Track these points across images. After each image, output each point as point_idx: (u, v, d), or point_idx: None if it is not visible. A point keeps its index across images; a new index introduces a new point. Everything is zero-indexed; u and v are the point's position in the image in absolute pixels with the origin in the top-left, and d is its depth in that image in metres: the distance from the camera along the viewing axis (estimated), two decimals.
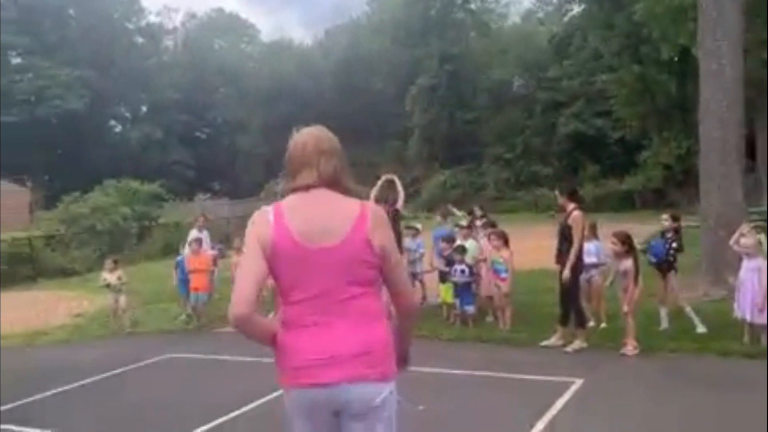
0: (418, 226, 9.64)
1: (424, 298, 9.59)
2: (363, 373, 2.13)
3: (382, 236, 2.18)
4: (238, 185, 42.51)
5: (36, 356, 8.59)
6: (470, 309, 7.77)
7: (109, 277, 9.91)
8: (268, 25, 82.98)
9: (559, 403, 4.99)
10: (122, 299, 9.89)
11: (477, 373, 6.01)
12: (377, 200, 8.86)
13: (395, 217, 8.72)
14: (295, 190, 2.24)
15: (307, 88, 42.91)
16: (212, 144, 50.01)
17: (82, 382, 6.62)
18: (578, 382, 5.47)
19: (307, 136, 2.29)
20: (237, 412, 5.09)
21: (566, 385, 5.39)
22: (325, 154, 2.25)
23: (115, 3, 49.88)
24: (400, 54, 39.85)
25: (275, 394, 4.70)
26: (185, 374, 6.92)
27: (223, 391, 5.78)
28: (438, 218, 10.07)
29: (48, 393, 6.25)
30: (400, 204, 8.81)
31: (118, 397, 6.19)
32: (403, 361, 2.33)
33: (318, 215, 2.17)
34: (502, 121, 36.25)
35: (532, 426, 4.54)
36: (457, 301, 7.87)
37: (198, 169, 46.87)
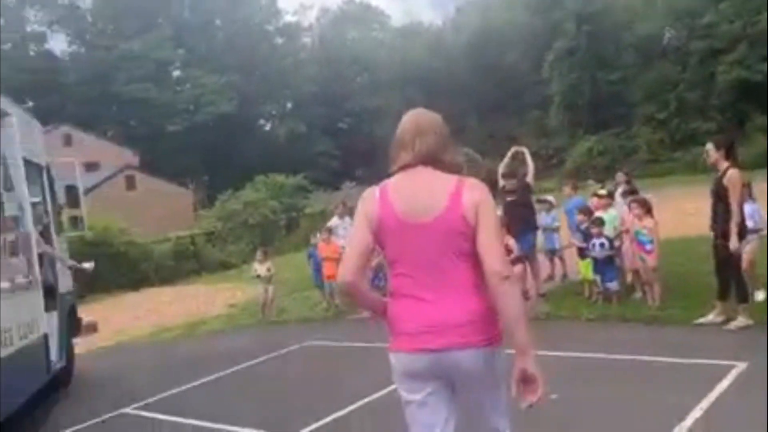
0: (551, 198, 9.07)
1: (564, 275, 9.04)
2: (468, 340, 2.24)
3: (477, 206, 2.26)
4: (380, 171, 43.10)
5: (191, 346, 9.23)
6: (613, 285, 7.14)
7: (259, 268, 10.40)
8: (397, 11, 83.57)
9: (718, 390, 4.36)
10: (270, 289, 10.36)
11: (621, 356, 5.42)
12: (506, 174, 8.46)
13: (525, 191, 8.27)
14: (398, 170, 2.38)
15: (439, 69, 42.54)
16: (353, 133, 51.31)
17: (228, 371, 6.97)
18: (741, 366, 4.75)
19: (406, 119, 2.44)
20: (368, 399, 5.03)
21: (727, 369, 4.71)
22: (420, 134, 2.37)
23: (254, 8, 52.61)
24: (534, 22, 38.20)
25: None
26: (322, 361, 7.04)
27: (358, 377, 5.77)
28: (567, 189, 9.41)
29: (196, 382, 6.64)
30: (530, 177, 8.32)
31: (259, 384, 6.43)
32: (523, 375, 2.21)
33: (417, 192, 2.31)
34: (651, 78, 33.54)
35: (685, 417, 3.97)
36: (598, 278, 7.28)
37: (342, 159, 48.33)
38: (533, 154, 8.77)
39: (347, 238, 2.58)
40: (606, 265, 7.20)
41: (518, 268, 7.32)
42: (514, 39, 40.46)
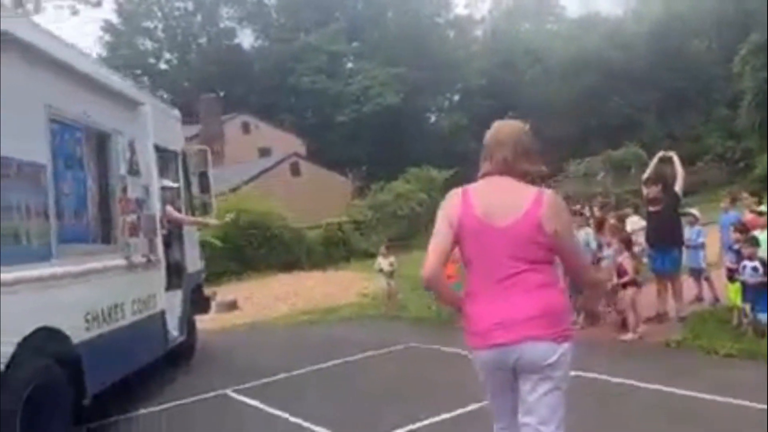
0: (694, 211, 7.98)
1: (716, 299, 7.93)
2: (534, 334, 2.40)
3: (555, 221, 2.43)
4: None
5: (314, 332, 9.45)
6: (764, 317, 6.09)
7: (382, 262, 10.42)
8: (574, 2, 79.85)
9: None
10: (392, 284, 10.32)
11: (756, 405, 4.59)
12: (650, 180, 7.60)
13: (672, 202, 7.36)
14: (480, 177, 2.59)
15: (616, 59, 39.85)
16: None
17: (331, 363, 6.99)
18: None
19: (490, 130, 2.63)
20: (461, 410, 4.79)
21: None
22: (499, 144, 2.56)
23: (425, 0, 52.96)
24: (725, 10, 34.34)
25: None
26: (421, 364, 6.83)
27: (454, 385, 5.49)
28: (725, 202, 8.21)
29: (298, 371, 6.73)
30: (678, 186, 7.38)
31: (355, 380, 6.36)
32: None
33: (497, 198, 2.49)
34: None
35: None
36: (748, 306, 6.26)
37: None
38: (719, 157, 7.76)
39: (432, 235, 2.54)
40: (758, 292, 6.15)
41: (630, 291, 6.60)
42: (701, 29, 36.71)
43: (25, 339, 3.96)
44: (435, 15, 54.24)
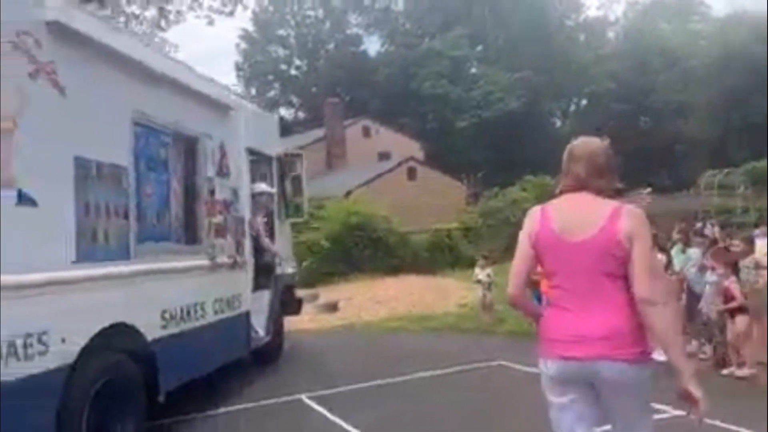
0: None
1: None
2: (609, 353, 2.41)
3: (632, 234, 2.43)
4: (671, 178, 39.00)
5: (405, 340, 9.32)
6: None
7: (480, 273, 10.12)
8: (720, 1, 74.04)
9: None
10: (489, 296, 9.98)
11: None
12: None
13: None
14: (559, 193, 2.64)
15: (761, 56, 36.46)
16: (648, 133, 47.01)
17: (412, 375, 6.81)
18: None
19: (572, 146, 2.66)
20: None
21: None
22: (574, 160, 2.61)
23: (554, 3, 51.31)
24: None
25: None
26: (505, 386, 6.47)
27: (536, 411, 5.13)
28: None
29: (378, 382, 6.62)
30: None
31: (430, 397, 6.15)
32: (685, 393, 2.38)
33: (574, 214, 2.54)
34: None
35: None
36: None
37: (632, 160, 44.64)
38: None
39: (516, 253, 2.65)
40: None
41: (741, 319, 5.86)
42: None
43: (97, 335, 4.14)
44: (564, 17, 52.41)
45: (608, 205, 2.51)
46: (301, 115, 52.78)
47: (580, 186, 2.58)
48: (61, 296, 3.84)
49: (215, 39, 63.23)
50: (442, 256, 19.34)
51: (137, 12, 24.77)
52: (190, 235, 5.59)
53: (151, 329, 4.83)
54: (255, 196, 7.15)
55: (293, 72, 53.41)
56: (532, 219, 2.62)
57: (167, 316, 5.09)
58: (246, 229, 6.75)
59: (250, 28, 50.81)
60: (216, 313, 5.97)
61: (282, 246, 7.92)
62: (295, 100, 53.67)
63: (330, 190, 22.29)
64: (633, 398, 2.47)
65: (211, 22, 26.38)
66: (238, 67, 51.99)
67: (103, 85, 4.39)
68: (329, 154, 35.60)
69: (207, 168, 5.92)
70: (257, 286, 7.39)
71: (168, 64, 5.34)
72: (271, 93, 52.61)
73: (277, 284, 7.73)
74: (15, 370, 3.45)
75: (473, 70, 52.70)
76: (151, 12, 25.51)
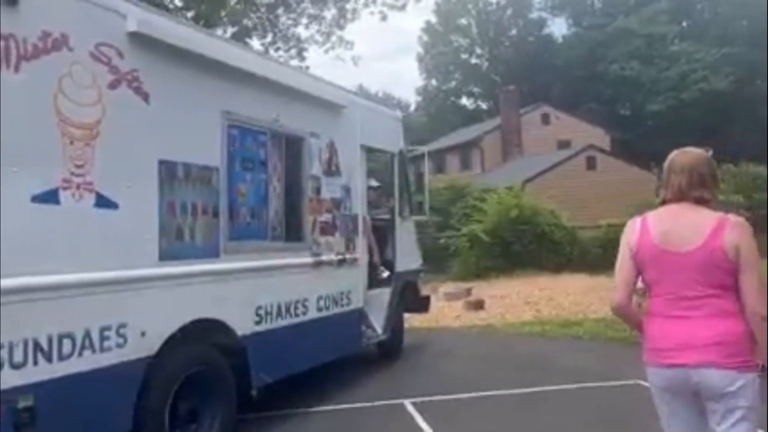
0: None
1: None
2: (715, 361, 2.45)
3: (738, 245, 2.47)
4: None
5: (537, 346, 8.74)
6: None
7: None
8: None
9: None
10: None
11: None
12: None
13: None
14: (660, 204, 2.69)
15: None
16: None
17: (532, 389, 6.35)
18: None
19: (676, 158, 2.70)
20: None
21: None
22: (673, 172, 2.65)
23: None
24: None
25: None
26: (642, 408, 5.73)
27: None
28: None
29: (488, 392, 6.26)
30: None
31: (549, 416, 5.64)
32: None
33: (676, 224, 2.58)
34: None
35: None
36: None
37: None
38: None
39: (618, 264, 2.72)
40: None
41: None
42: None
43: (181, 329, 4.35)
44: None
45: (712, 216, 2.54)
46: (482, 105, 52.24)
47: (681, 197, 2.60)
48: (141, 293, 4.08)
49: (401, 34, 64.86)
50: (613, 254, 17.91)
51: (316, 13, 26.23)
52: (291, 233, 5.68)
53: (242, 325, 4.98)
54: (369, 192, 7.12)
55: (474, 61, 52.94)
56: (631, 230, 2.67)
57: (261, 312, 5.23)
58: (359, 227, 6.74)
59: (433, 19, 51.32)
60: (320, 310, 6.03)
61: (404, 244, 7.79)
62: (475, 89, 53.19)
63: (503, 180, 21.68)
64: (738, 408, 2.46)
65: (384, 18, 27.13)
66: (420, 59, 52.78)
67: (190, 90, 4.58)
68: (504, 143, 34.78)
69: (312, 167, 5.98)
70: (375, 284, 7.37)
71: (268, 66, 5.44)
72: (452, 83, 52.67)
73: (398, 282, 7.64)
74: (91, 360, 3.72)
75: (672, 48, 48.20)
76: (332, 12, 26.92)
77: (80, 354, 3.68)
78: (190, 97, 4.58)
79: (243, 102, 5.10)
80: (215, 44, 4.79)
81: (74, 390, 3.63)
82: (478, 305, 12.04)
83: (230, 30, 25.05)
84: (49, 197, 3.55)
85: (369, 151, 7.19)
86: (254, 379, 5.09)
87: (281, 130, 5.56)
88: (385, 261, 7.55)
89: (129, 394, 4.00)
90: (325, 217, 6.15)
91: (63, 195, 3.63)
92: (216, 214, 4.77)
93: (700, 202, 2.59)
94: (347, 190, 6.55)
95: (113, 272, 3.89)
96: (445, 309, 12.14)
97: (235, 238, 4.98)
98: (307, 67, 28.07)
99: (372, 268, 7.26)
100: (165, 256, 4.30)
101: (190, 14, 22.68)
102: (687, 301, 2.52)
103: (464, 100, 53.94)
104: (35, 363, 3.43)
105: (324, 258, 6.08)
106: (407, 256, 7.92)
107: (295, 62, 27.78)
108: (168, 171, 4.36)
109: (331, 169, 6.28)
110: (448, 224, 19.07)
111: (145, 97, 4.20)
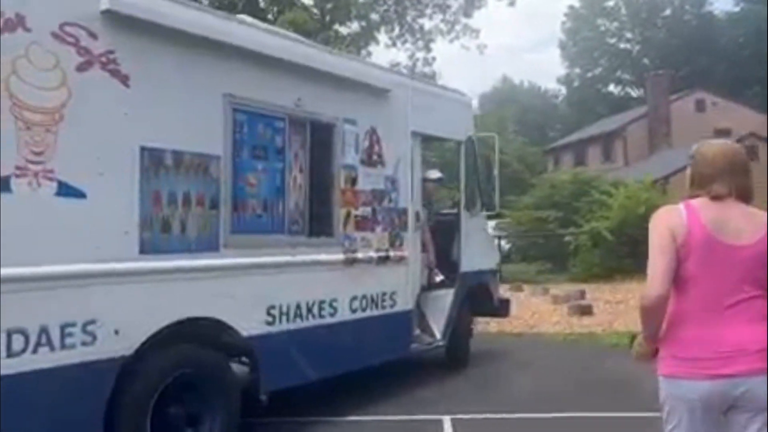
0: None
1: None
2: (762, 367, 2.25)
3: None
4: None
5: (618, 364, 7.53)
6: None
7: None
8: None
9: None
10: None
11: None
12: None
13: None
14: (702, 197, 2.40)
15: None
16: None
17: (597, 414, 5.41)
18: None
19: (719, 150, 2.44)
20: None
21: None
22: (734, 171, 2.40)
23: None
24: None
25: None
26: None
27: None
28: None
29: (538, 415, 5.41)
30: None
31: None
32: None
33: (730, 217, 2.34)
34: None
35: None
36: None
37: None
38: None
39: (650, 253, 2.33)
40: None
41: None
42: None
43: (167, 327, 4.06)
44: None
45: (763, 214, 2.41)
46: (631, 92, 48.59)
47: (736, 196, 2.39)
48: (113, 288, 3.84)
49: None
50: None
51: (440, 1, 25.62)
52: (317, 227, 5.22)
53: (249, 325, 4.62)
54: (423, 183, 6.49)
55: (623, 45, 49.34)
56: (675, 216, 2.34)
57: (274, 312, 4.84)
58: (409, 222, 6.13)
59: (577, 4, 48.54)
60: (355, 311, 5.53)
61: (472, 241, 7.04)
62: (624, 76, 49.58)
63: (646, 174, 19.68)
64: (764, 416, 2.28)
65: (512, 3, 25.91)
66: (562, 46, 50.18)
67: (182, 72, 4.26)
68: (651, 133, 31.94)
69: (347, 155, 5.48)
70: (434, 285, 6.73)
71: (283, 46, 4.98)
72: (598, 70, 49.52)
73: (463, 283, 6.92)
74: (47, 358, 3.53)
75: None
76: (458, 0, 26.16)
77: (34, 351, 3.49)
78: (183, 80, 4.27)
79: (252, 85, 4.71)
80: (210, 22, 4.41)
81: (28, 388, 3.45)
82: (585, 310, 10.87)
83: (357, 25, 25.25)
84: None
85: (425, 139, 6.55)
86: (264, 384, 4.71)
87: (305, 115, 5.11)
88: (446, 260, 6.88)
89: (98, 395, 3.76)
90: (363, 210, 5.63)
91: (15, 183, 3.44)
92: (215, 206, 4.43)
93: (745, 197, 2.41)
94: (393, 181, 5.97)
95: (76, 265, 3.66)
96: (547, 313, 11.11)
97: (241, 231, 4.62)
98: (434, 59, 27.81)
99: (430, 268, 6.63)
100: (147, 249, 4.02)
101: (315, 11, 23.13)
102: (734, 302, 2.29)
103: (611, 88, 50.50)
104: None
105: (360, 255, 5.56)
106: (477, 255, 7.16)
107: (421, 54, 27.63)
108: (152, 158, 4.07)
109: (372, 159, 5.74)
110: (572, 220, 17.65)
111: (124, 80, 3.93)
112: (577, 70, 50.13)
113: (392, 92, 5.91)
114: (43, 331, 3.52)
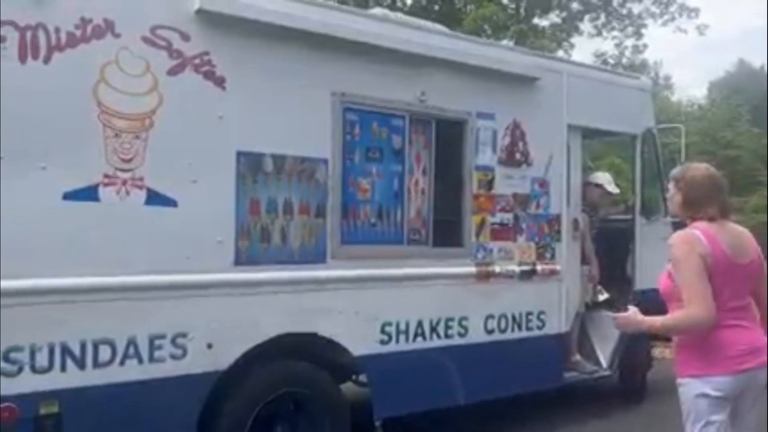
0: None
1: None
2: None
3: (762, 258, 2.83)
4: None
5: None
6: None
7: None
8: None
9: None
10: None
11: None
12: None
13: None
14: (700, 218, 2.77)
15: None
16: None
17: None
18: None
19: (706, 174, 2.84)
20: None
21: None
22: (722, 191, 2.84)
23: None
24: None
25: None
26: None
27: None
28: None
29: None
30: None
31: None
32: None
33: (733, 238, 2.76)
34: None
35: None
36: None
37: None
38: None
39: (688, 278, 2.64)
40: None
41: None
42: None
43: (266, 343, 3.83)
44: None
45: (747, 232, 2.85)
46: None
47: (723, 215, 2.79)
48: (206, 300, 3.67)
49: None
50: None
51: None
52: (443, 236, 4.64)
53: (360, 344, 4.22)
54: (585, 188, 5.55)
55: None
56: (698, 242, 2.67)
57: (390, 330, 4.37)
58: (562, 230, 5.27)
59: None
60: (491, 332, 4.86)
61: (649, 253, 5.89)
62: None
63: None
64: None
65: None
66: None
67: (285, 71, 3.96)
68: None
69: (481, 155, 4.82)
70: (600, 304, 5.76)
71: (399, 35, 4.43)
72: None
73: (639, 303, 5.80)
74: (135, 371, 3.46)
75: None
76: None
77: (121, 363, 3.43)
78: (285, 80, 3.98)
79: (366, 80, 4.29)
80: (313, 15, 4.03)
81: (113, 400, 3.40)
82: None
83: (558, 15, 23.83)
84: (85, 194, 3.35)
85: (588, 133, 5.62)
86: (378, 408, 4.28)
87: (429, 111, 4.57)
88: (618, 275, 5.84)
89: (189, 410, 3.62)
90: (501, 217, 4.92)
91: (103, 191, 3.40)
92: (321, 214, 4.09)
93: (728, 217, 2.83)
94: (542, 183, 5.16)
95: (167, 276, 3.55)
96: None
97: (351, 242, 4.23)
98: (645, 46, 25.21)
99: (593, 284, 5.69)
100: (242, 260, 3.80)
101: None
102: (743, 309, 2.73)
103: None
104: (63, 369, 3.27)
105: (496, 268, 4.87)
106: (657, 270, 5.98)
107: (631, 41, 25.20)
108: (250, 164, 3.84)
109: (514, 158, 5.00)
110: None
111: (220, 83, 3.75)
112: None
113: (542, 80, 5.10)
114: (131, 342, 3.46)
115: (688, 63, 57.47)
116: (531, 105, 5.10)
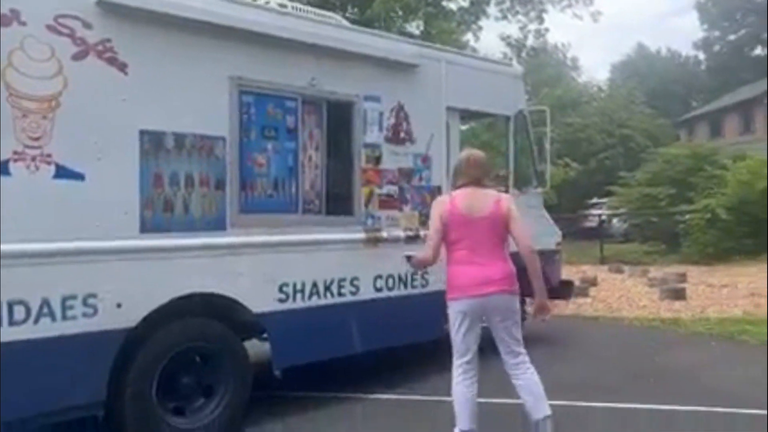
0: None
1: None
2: (505, 288, 3.84)
3: (509, 210, 3.90)
4: None
5: (710, 352, 6.90)
6: None
7: None
8: None
9: None
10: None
11: None
12: None
13: None
14: (458, 187, 4.00)
15: None
16: None
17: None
18: None
19: (465, 155, 4.11)
20: None
21: None
22: (472, 166, 3.98)
23: None
24: None
25: None
26: None
27: None
28: None
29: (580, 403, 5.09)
30: None
31: None
32: (540, 306, 3.96)
33: (473, 199, 3.89)
34: None
35: None
36: None
37: None
38: None
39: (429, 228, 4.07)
40: None
41: None
42: None
43: (170, 302, 4.26)
44: None
45: (493, 194, 4.01)
46: None
47: (474, 183, 3.96)
48: (113, 265, 4.06)
49: None
50: None
51: None
52: (335, 206, 5.21)
53: (259, 302, 4.73)
54: None
55: None
56: (442, 204, 3.97)
57: (287, 290, 4.90)
58: None
59: None
60: (380, 290, 5.48)
61: (529, 222, 6.64)
62: None
63: None
64: (515, 318, 3.95)
65: None
66: (701, 8, 46.01)
67: (184, 57, 4.38)
68: None
69: (368, 134, 5.40)
70: None
71: (290, 25, 4.93)
72: (742, 32, 44.93)
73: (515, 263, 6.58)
74: (48, 328, 3.82)
75: None
76: None
77: (36, 321, 3.80)
78: (185, 65, 4.39)
79: (261, 66, 4.75)
80: (207, 6, 4.45)
81: (30, 354, 3.76)
82: (677, 294, 10.04)
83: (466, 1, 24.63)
84: None
85: (465, 114, 6.30)
86: (277, 360, 4.82)
87: (320, 94, 5.09)
88: None
89: (101, 363, 4.01)
90: (388, 189, 5.53)
91: (14, 167, 3.73)
92: (221, 186, 4.55)
93: (485, 185, 4.02)
94: (425, 159, 5.81)
95: (76, 243, 3.92)
96: (637, 296, 10.39)
97: (249, 211, 4.71)
98: (546, 30, 26.58)
99: None
100: (148, 228, 4.22)
101: None
102: (482, 251, 3.86)
103: (758, 51, 45.63)
104: None
105: (384, 234, 5.48)
106: (530, 235, 6.78)
107: (533, 26, 26.49)
108: (153, 142, 4.25)
109: (399, 136, 5.61)
110: (687, 198, 16.30)
111: (122, 68, 4.12)
112: (717, 33, 45.85)
113: (422, 67, 5.73)
114: (45, 303, 3.82)
115: (596, 45, 60.03)
116: (413, 89, 5.71)
